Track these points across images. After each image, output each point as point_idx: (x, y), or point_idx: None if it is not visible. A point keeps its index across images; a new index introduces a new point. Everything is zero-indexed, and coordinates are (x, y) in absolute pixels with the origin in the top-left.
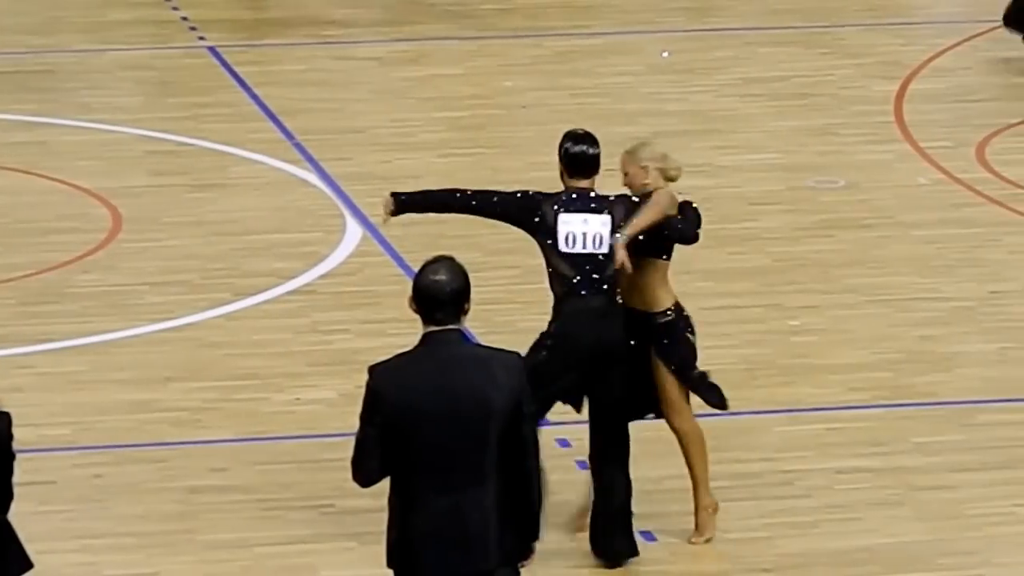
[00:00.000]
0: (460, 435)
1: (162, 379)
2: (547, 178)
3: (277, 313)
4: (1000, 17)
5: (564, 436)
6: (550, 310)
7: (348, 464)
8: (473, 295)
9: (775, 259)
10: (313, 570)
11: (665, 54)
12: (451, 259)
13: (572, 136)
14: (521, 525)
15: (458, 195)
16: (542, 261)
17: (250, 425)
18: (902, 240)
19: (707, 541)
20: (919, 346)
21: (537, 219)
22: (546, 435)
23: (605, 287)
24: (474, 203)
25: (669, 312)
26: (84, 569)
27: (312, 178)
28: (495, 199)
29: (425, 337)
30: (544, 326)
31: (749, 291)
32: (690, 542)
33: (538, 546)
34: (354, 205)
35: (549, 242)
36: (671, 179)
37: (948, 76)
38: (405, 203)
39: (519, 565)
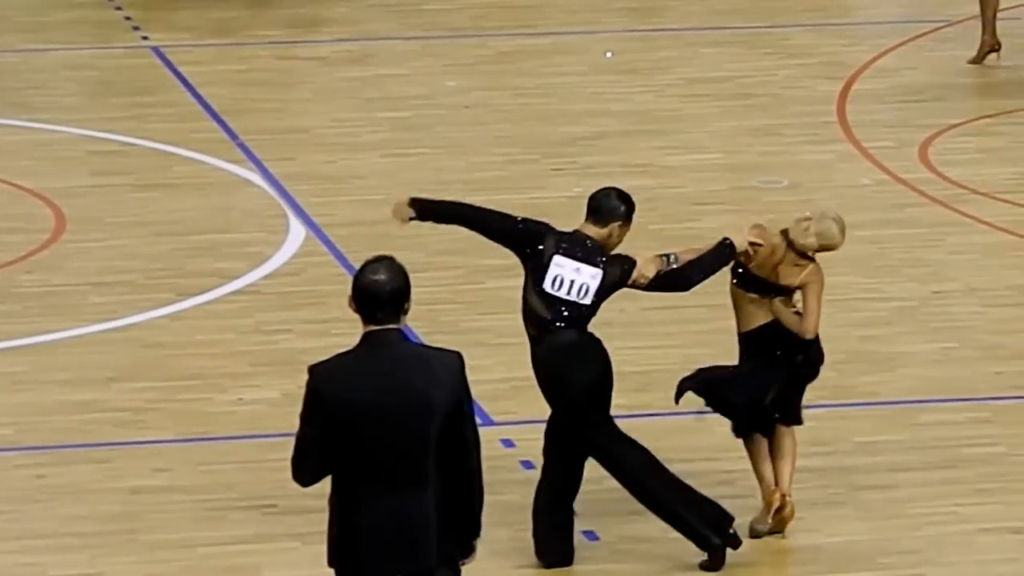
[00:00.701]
0: (401, 434)
1: (105, 379)
2: (491, 178)
3: (220, 313)
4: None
5: (508, 436)
6: (495, 311)
7: (289, 464)
8: (417, 295)
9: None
10: (256, 570)
11: (609, 54)
12: (391, 259)
13: (607, 189)
14: (462, 524)
15: (472, 211)
16: (486, 261)
17: (193, 425)
18: (845, 240)
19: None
20: (861, 346)
21: (534, 249)
22: (490, 435)
23: (576, 327)
24: (483, 222)
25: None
26: (27, 570)
27: (255, 178)
28: (504, 223)
29: (365, 337)
30: (488, 327)
31: (692, 291)
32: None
33: (478, 545)
34: (297, 205)
35: (536, 275)
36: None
37: (891, 76)
38: (423, 212)
39: (459, 564)
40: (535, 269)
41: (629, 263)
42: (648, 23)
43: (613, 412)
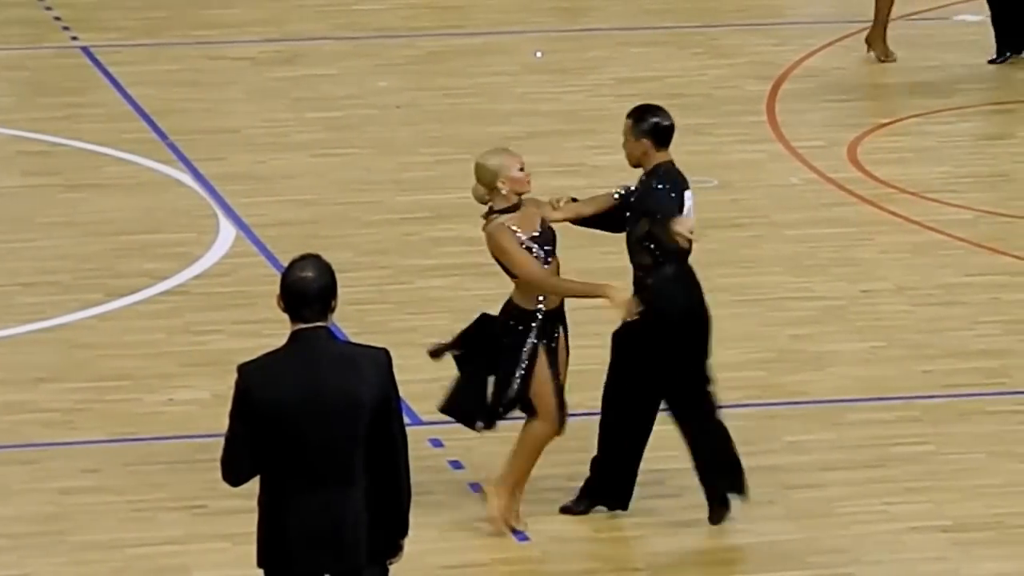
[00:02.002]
0: (329, 433)
1: (34, 380)
2: (421, 178)
3: (150, 314)
4: (872, 18)
5: (436, 436)
6: (423, 311)
7: (219, 464)
8: (345, 295)
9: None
10: (185, 570)
11: (538, 54)
12: (317, 257)
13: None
14: (389, 523)
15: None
16: (414, 261)
17: (122, 426)
18: (774, 239)
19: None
20: (790, 345)
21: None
22: (419, 435)
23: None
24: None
25: None
26: None
27: (185, 178)
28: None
29: (293, 335)
30: (416, 326)
31: (621, 290)
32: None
33: (406, 543)
34: (227, 205)
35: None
36: None
37: (820, 76)
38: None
39: (387, 563)
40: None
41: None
42: (578, 23)
43: None
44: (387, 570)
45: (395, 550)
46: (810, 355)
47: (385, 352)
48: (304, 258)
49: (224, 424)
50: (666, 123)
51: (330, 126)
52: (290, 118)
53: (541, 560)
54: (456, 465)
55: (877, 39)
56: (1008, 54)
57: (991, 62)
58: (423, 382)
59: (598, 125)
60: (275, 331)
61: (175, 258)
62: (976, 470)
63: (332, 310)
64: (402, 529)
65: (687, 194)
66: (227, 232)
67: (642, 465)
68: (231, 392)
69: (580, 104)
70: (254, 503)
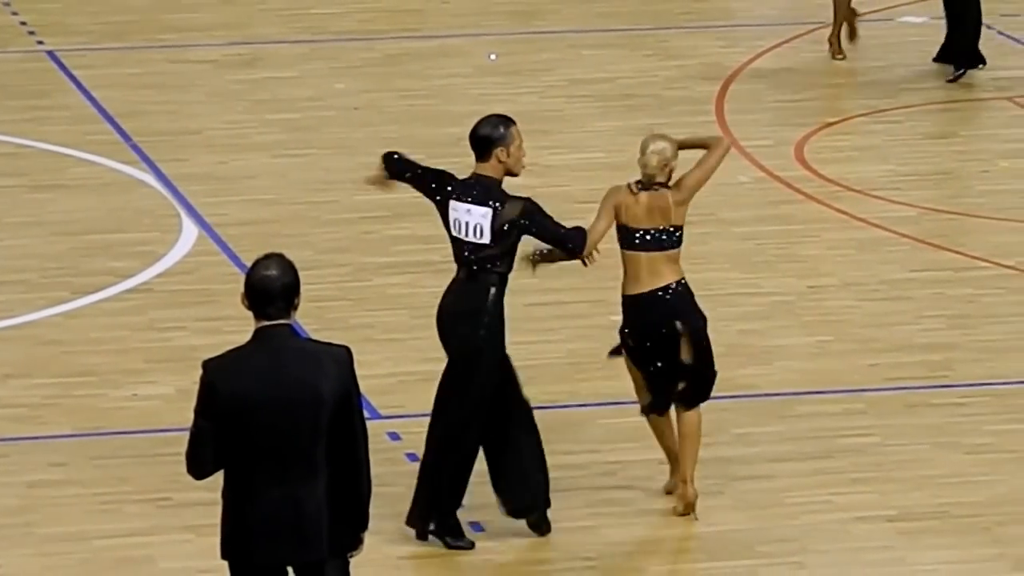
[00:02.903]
0: (292, 427)
1: (2, 376)
2: None
3: (115, 311)
4: (819, 19)
5: (395, 430)
6: (382, 308)
7: (184, 458)
8: (305, 292)
9: (600, 256)
10: (151, 561)
11: (492, 56)
12: (281, 256)
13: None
14: (350, 516)
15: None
16: (373, 259)
17: (88, 421)
18: (723, 237)
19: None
20: (739, 340)
21: (441, 197)
22: (378, 428)
23: (475, 268)
24: (416, 177)
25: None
26: None
27: (149, 179)
28: (425, 176)
29: (257, 332)
30: (374, 323)
31: (574, 287)
32: (679, 514)
33: (366, 536)
34: (190, 205)
35: (443, 222)
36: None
37: (768, 77)
38: (395, 165)
39: (348, 555)
40: (442, 216)
41: (528, 204)
42: (530, 26)
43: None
44: (347, 563)
45: (356, 543)
46: (758, 350)
47: (346, 349)
48: (268, 257)
49: (187, 418)
50: (473, 130)
51: (290, 127)
52: (251, 120)
53: (498, 551)
54: (413, 458)
55: (834, 37)
56: (963, 70)
57: (949, 81)
58: (381, 377)
59: (551, 126)
60: (237, 327)
61: (139, 257)
62: (920, 461)
63: (295, 308)
64: (362, 523)
65: (454, 204)
66: (190, 231)
67: (596, 457)
68: (194, 387)
69: (533, 105)
70: (218, 495)
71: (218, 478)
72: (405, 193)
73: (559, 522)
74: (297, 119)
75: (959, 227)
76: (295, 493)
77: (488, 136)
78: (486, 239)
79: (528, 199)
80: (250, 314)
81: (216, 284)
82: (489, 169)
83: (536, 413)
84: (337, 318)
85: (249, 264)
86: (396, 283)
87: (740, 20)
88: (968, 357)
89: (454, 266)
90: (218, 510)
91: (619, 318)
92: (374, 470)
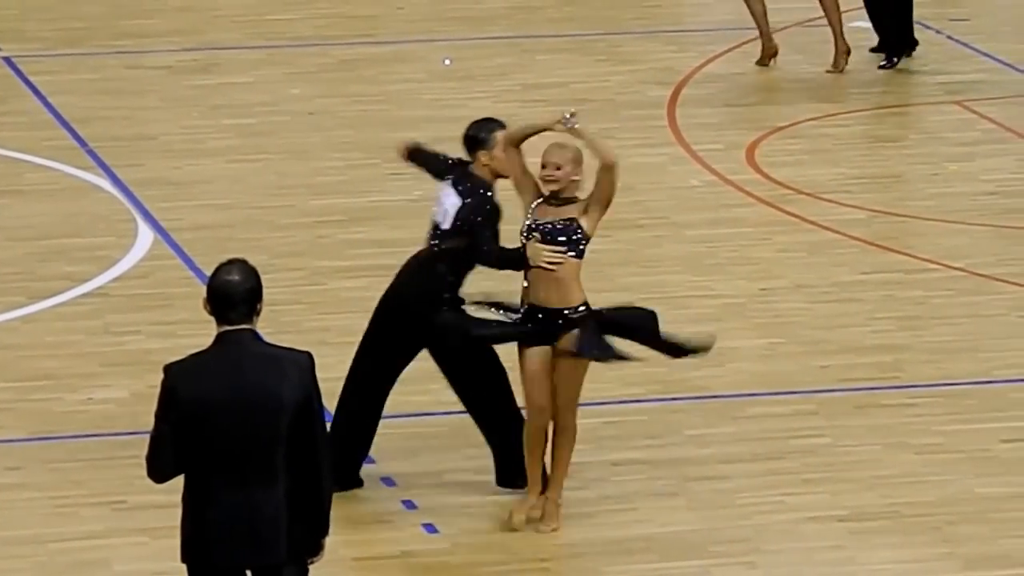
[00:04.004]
0: (252, 432)
1: None
2: (333, 182)
3: (71, 315)
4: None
5: None
6: (336, 311)
7: (140, 461)
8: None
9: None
10: (107, 564)
11: (447, 62)
12: (244, 261)
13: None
14: (310, 521)
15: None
16: (328, 263)
17: (44, 424)
18: (675, 240)
19: (554, 530)
20: None
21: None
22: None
23: (436, 250)
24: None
25: (581, 308)
26: None
27: (105, 184)
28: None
29: (219, 337)
30: (329, 326)
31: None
32: (539, 530)
33: (326, 542)
34: (146, 210)
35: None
36: None
37: (719, 81)
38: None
39: (308, 562)
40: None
41: (484, 199)
42: (484, 31)
43: (452, 408)
44: (307, 569)
45: (316, 549)
46: (711, 352)
47: (308, 355)
48: (231, 262)
49: (142, 422)
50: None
51: (245, 133)
52: (206, 125)
53: (450, 552)
54: (368, 460)
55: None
56: (895, 59)
57: (881, 67)
58: (336, 380)
59: None
60: (192, 332)
61: (95, 261)
62: (871, 461)
63: (257, 313)
64: (323, 528)
65: (439, 184)
66: (145, 236)
67: (547, 459)
68: (149, 391)
69: (487, 110)
70: (173, 499)
71: (175, 481)
72: (360, 197)
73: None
74: (252, 124)
75: (909, 229)
76: (254, 497)
77: (473, 137)
78: (447, 226)
79: (485, 207)
80: (207, 318)
81: (171, 288)
82: (477, 168)
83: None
84: (292, 322)
85: (204, 269)
86: (351, 287)
87: (691, 25)
88: (918, 358)
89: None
90: (173, 513)
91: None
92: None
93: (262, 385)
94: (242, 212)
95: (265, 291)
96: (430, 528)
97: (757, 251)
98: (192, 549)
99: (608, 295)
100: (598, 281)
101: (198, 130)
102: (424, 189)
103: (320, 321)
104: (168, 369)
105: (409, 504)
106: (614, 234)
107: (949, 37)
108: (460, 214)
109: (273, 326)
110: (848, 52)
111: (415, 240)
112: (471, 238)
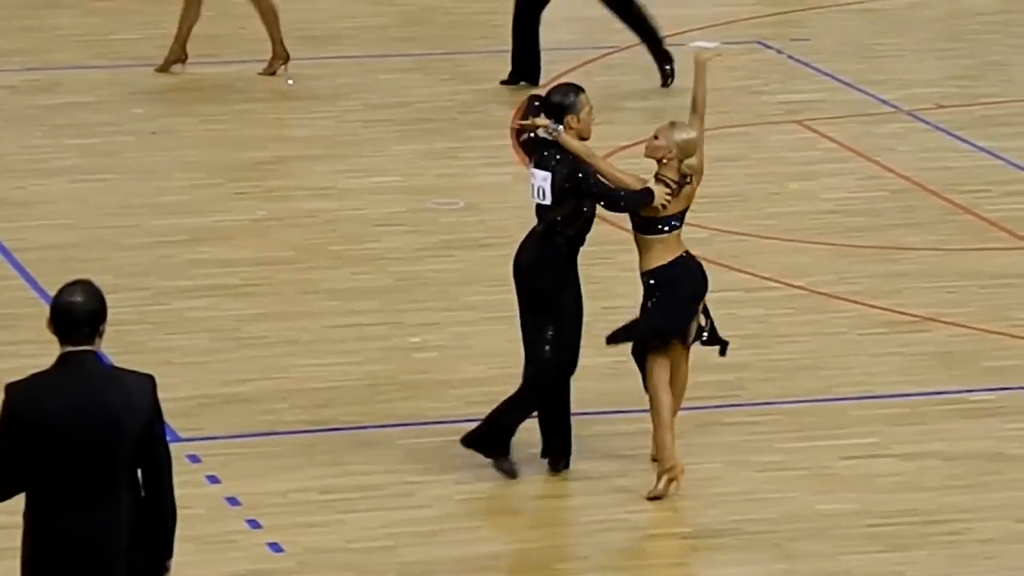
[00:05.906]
0: (93, 453)
1: None
2: (177, 202)
3: None
4: (611, 44)
5: (195, 452)
6: (181, 331)
7: None
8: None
9: (397, 278)
10: None
11: (290, 81)
12: (88, 282)
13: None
14: (154, 543)
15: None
16: (172, 283)
17: None
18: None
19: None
20: None
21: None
22: (178, 451)
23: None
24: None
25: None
26: None
27: None
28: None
29: (61, 357)
30: (174, 346)
31: (373, 309)
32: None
33: (172, 564)
34: None
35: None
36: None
37: None
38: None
39: None
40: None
41: (574, 166)
42: (327, 51)
43: (297, 427)
44: None
45: (161, 571)
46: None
47: (150, 378)
48: (75, 283)
49: None
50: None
51: (88, 152)
52: (49, 144)
53: (296, 571)
54: (213, 480)
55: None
56: (522, 82)
57: (503, 83)
58: (181, 400)
59: (348, 150)
60: (35, 351)
61: None
62: (713, 479)
63: (100, 334)
64: (167, 550)
65: (532, 171)
66: None
67: (394, 478)
68: None
69: (331, 130)
70: (15, 519)
71: (16, 501)
72: (204, 217)
73: (357, 542)
74: (96, 144)
75: (750, 248)
76: (94, 518)
77: (560, 104)
78: (547, 200)
79: (575, 165)
80: (51, 338)
81: (15, 308)
82: (567, 131)
83: (335, 435)
84: (137, 342)
85: (48, 289)
86: (195, 307)
87: None
88: (759, 376)
89: (252, 289)
90: (13, 533)
91: (417, 339)
92: (175, 492)
93: (103, 407)
94: (86, 232)
95: (110, 311)
96: (275, 547)
97: (600, 270)
98: (33, 569)
99: (452, 314)
100: (442, 300)
101: (41, 150)
102: (268, 209)
103: (164, 341)
104: (9, 388)
105: (254, 523)
106: (457, 253)
107: (790, 57)
108: (555, 183)
109: (118, 346)
110: (285, 59)
111: (259, 259)
112: (594, 198)
